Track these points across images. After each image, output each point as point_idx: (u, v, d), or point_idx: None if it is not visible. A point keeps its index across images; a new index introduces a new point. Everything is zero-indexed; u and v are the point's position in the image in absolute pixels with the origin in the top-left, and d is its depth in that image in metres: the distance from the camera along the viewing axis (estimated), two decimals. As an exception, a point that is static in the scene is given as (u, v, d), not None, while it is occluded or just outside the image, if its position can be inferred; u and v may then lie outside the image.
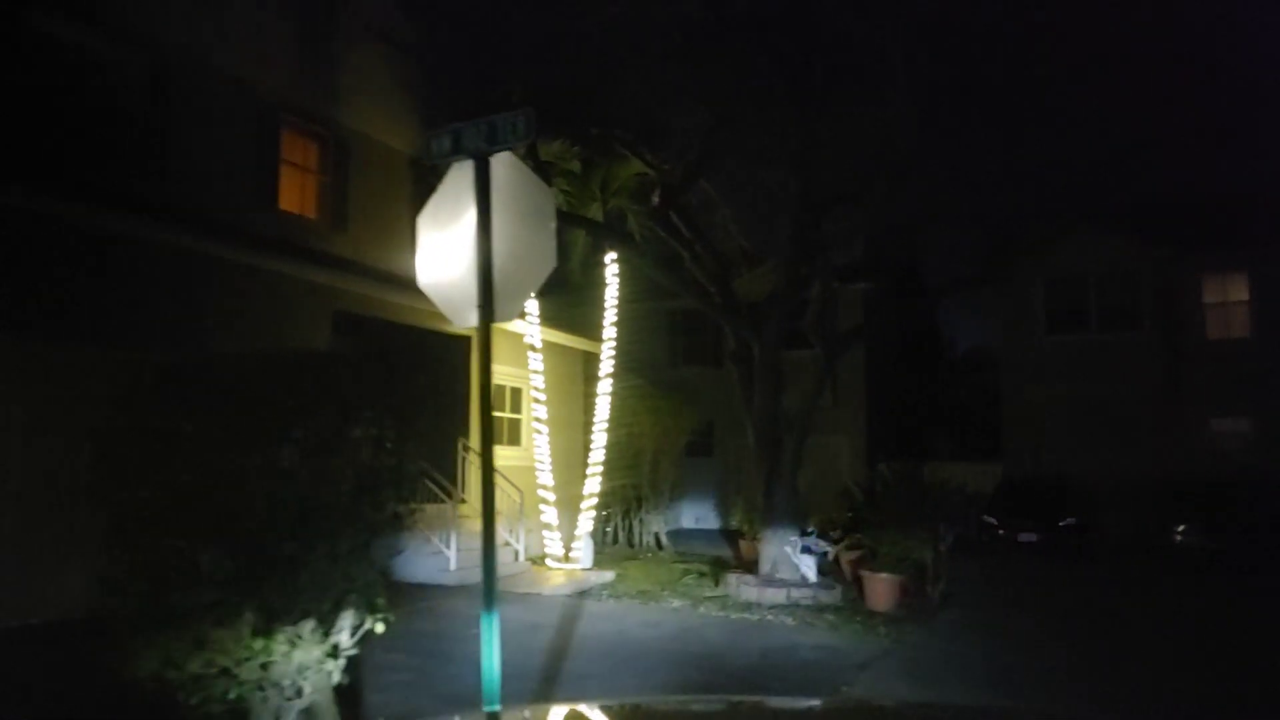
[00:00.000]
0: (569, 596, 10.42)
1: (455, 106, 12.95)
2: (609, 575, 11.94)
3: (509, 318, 4.26)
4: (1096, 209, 18.01)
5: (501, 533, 12.50)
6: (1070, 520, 15.61)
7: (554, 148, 12.78)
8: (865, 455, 19.78)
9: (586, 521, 13.23)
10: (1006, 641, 8.48)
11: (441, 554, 10.61)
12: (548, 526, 13.05)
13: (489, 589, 3.92)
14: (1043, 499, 16.28)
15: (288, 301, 10.01)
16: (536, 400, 13.49)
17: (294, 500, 3.49)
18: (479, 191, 4.16)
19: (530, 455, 13.48)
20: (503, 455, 12.58)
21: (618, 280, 14.11)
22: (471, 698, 5.92)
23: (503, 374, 13.66)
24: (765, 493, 11.12)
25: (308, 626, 3.79)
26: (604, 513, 14.63)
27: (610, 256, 13.92)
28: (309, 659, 3.84)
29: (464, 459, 11.92)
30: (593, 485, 13.44)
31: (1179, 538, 14.80)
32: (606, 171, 13.62)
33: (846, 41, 9.99)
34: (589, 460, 13.72)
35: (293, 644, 3.71)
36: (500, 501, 12.63)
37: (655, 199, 12.37)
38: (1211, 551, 13.96)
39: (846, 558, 11.20)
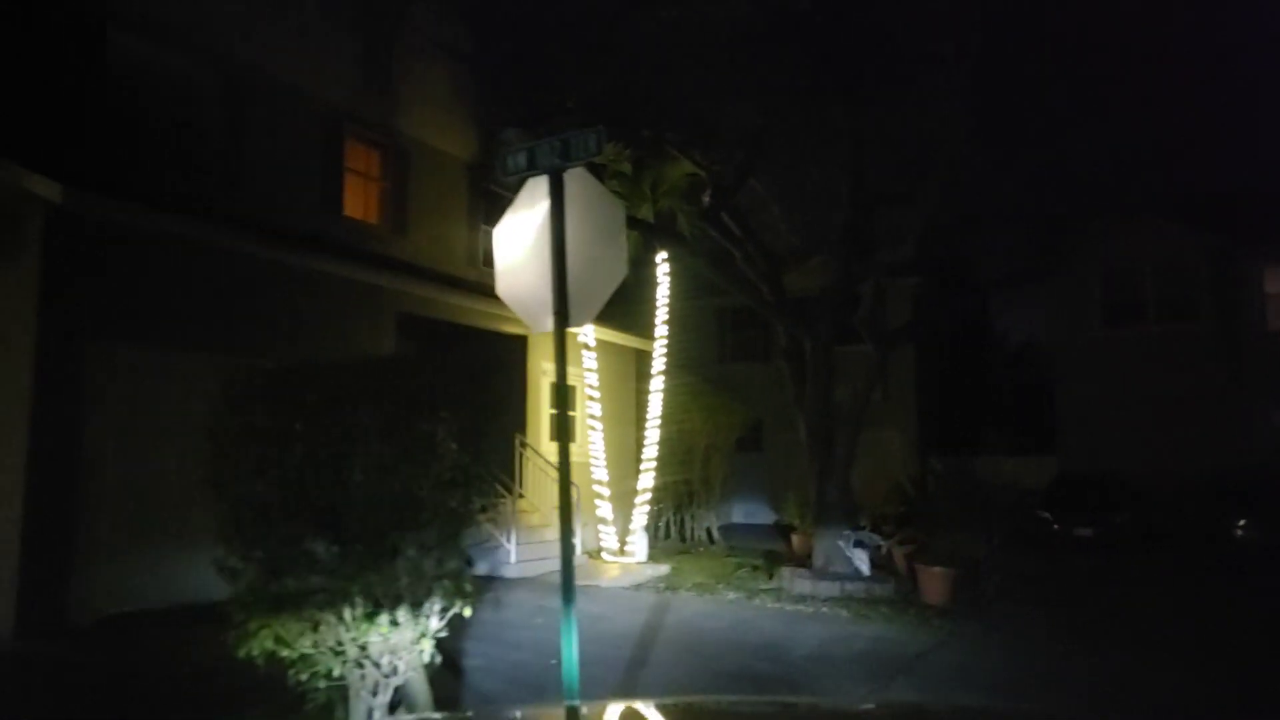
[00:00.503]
0: (627, 589, 10.71)
1: (510, 112, 13.32)
2: (664, 568, 12.22)
3: (582, 323, 4.54)
4: (1153, 199, 17.78)
5: (558, 527, 12.85)
6: (1127, 515, 15.50)
7: (606, 150, 13.06)
8: (916, 449, 19.79)
9: (641, 516, 13.51)
10: (1060, 636, 8.55)
11: (503, 547, 10.97)
12: (603, 521, 13.37)
13: (567, 584, 4.20)
14: (1099, 493, 16.17)
15: (356, 305, 10.44)
16: (590, 398, 13.80)
17: (393, 494, 3.81)
18: (553, 205, 4.45)
19: (585, 451, 13.80)
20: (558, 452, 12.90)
21: (669, 279, 14.36)
22: (538, 683, 6.27)
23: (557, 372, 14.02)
24: (818, 488, 11.30)
25: (404, 610, 4.12)
26: (656, 508, 14.90)
27: (661, 256, 14.17)
28: (404, 640, 4.17)
29: (521, 455, 12.28)
30: (646, 481, 13.72)
31: (1239, 532, 14.62)
32: (657, 172, 13.86)
33: (897, 40, 10.09)
34: (642, 456, 14.00)
35: (393, 625, 4.04)
36: (557, 497, 13.00)
37: (706, 199, 12.59)
38: (1273, 546, 13.77)
39: (900, 552, 11.32)
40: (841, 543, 10.61)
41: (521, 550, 11.09)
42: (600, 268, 4.45)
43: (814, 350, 11.63)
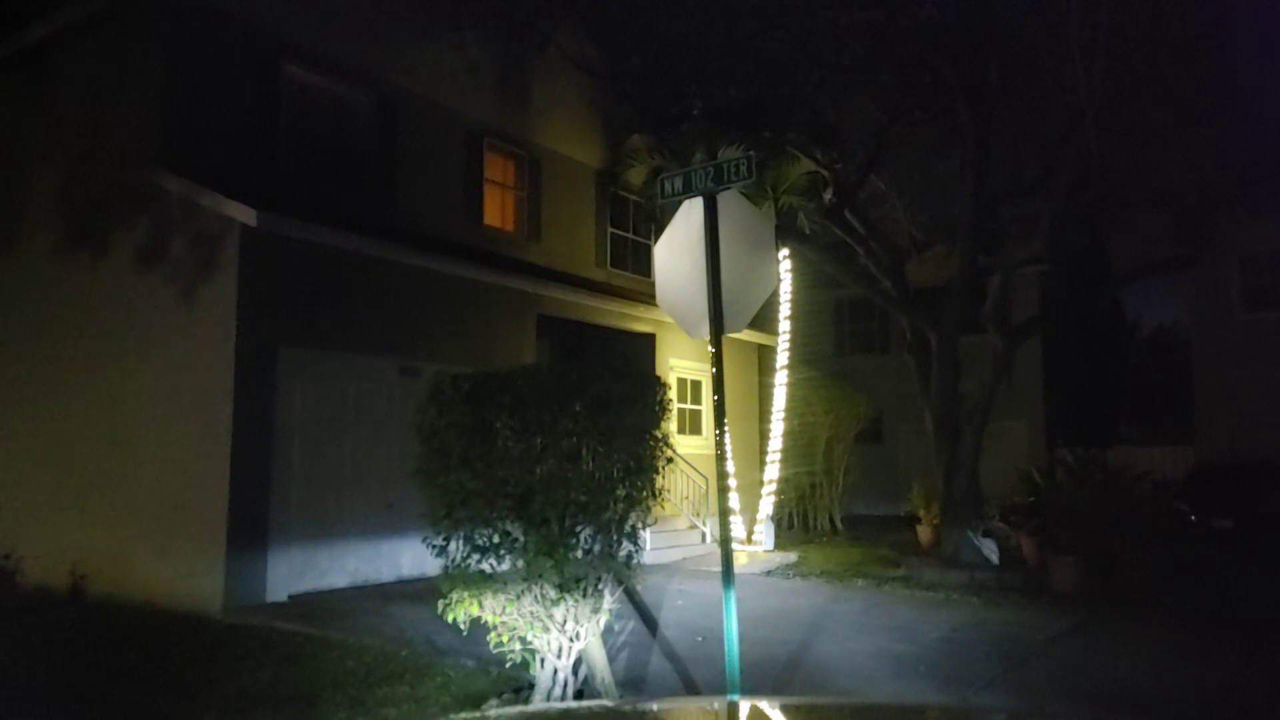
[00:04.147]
0: (757, 575, 11.16)
1: (636, 119, 13.91)
2: (791, 556, 12.61)
3: (737, 330, 5.01)
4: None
5: (689, 517, 13.40)
6: (1271, 505, 14.90)
7: (729, 151, 13.47)
8: (1045, 440, 19.44)
9: (767, 506, 13.91)
10: (1192, 627, 8.51)
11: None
12: (732, 511, 13.82)
13: (727, 571, 4.72)
14: (1239, 484, 15.58)
15: (501, 308, 11.19)
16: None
17: (581, 483, 4.39)
18: (708, 224, 4.94)
19: (712, 444, 14.27)
20: (686, 444, 13.44)
21: (790, 275, 14.67)
22: (689, 656, 6.79)
23: (683, 368, 14.56)
24: (945, 478, 11.45)
25: (584, 585, 4.70)
26: (781, 498, 15.26)
27: (783, 253, 14.49)
28: (584, 611, 4.75)
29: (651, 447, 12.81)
30: (771, 472, 14.10)
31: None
32: (778, 171, 14.18)
33: (1021, 36, 10.12)
34: (766, 448, 14.39)
35: (575, 598, 4.63)
36: (686, 488, 13.55)
37: (827, 196, 12.84)
38: None
39: (1029, 542, 11.36)
40: (970, 532, 10.76)
41: (655, 538, 11.67)
42: (752, 280, 4.92)
43: (939, 343, 11.76)
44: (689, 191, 5.03)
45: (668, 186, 5.13)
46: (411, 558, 9.44)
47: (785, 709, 2.73)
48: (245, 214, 8.29)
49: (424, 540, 4.77)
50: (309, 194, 10.20)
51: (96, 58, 9.97)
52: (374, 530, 9.40)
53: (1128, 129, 10.69)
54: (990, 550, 10.69)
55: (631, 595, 8.20)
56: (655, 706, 3.58)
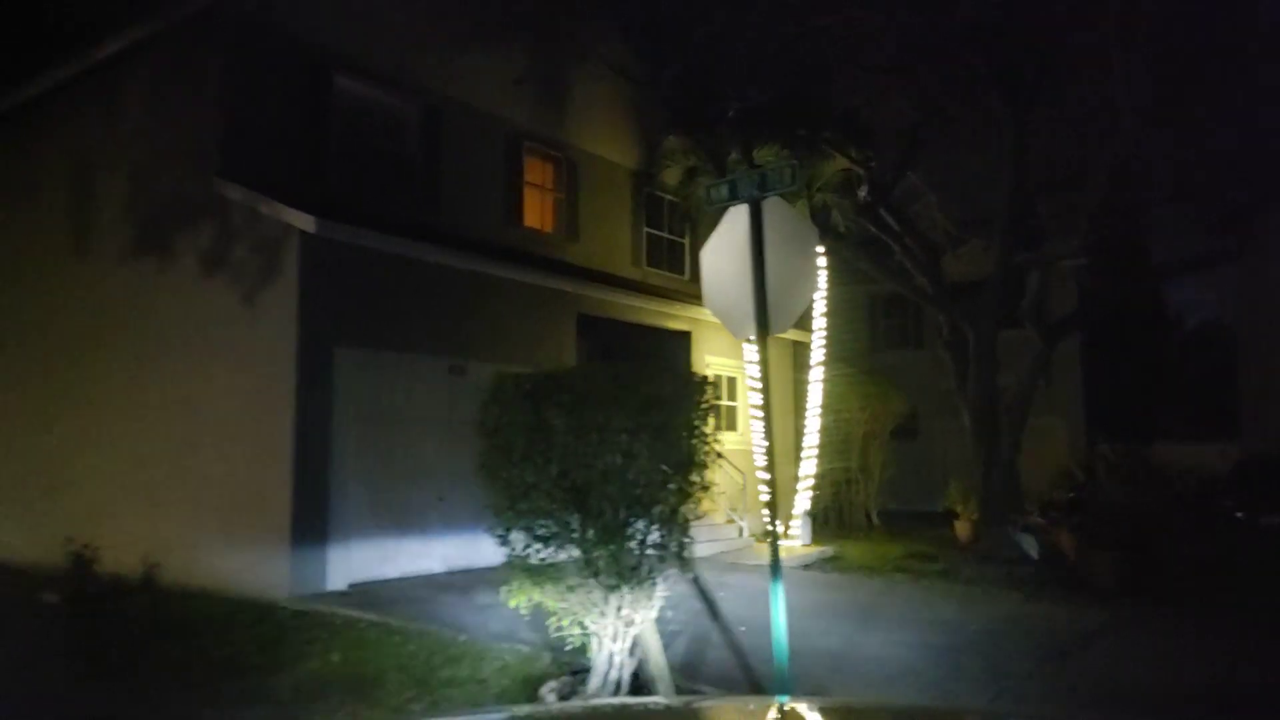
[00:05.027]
0: (795, 569, 11.36)
1: (672, 120, 14.13)
2: (828, 551, 12.80)
3: (782, 330, 5.26)
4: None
5: (725, 511, 13.64)
6: (1318, 502, 14.76)
7: (764, 151, 13.67)
8: (1085, 435, 19.37)
9: (803, 501, 14.10)
10: (1234, 625, 8.56)
11: (678, 528, 11.83)
12: (767, 506, 14.03)
13: (775, 566, 4.95)
14: (1286, 480, 15.43)
15: (541, 308, 11.50)
16: (753, 389, 14.48)
17: (635, 477, 4.66)
18: (753, 230, 5.18)
19: (748, 440, 14.50)
20: (722, 440, 13.64)
21: (824, 272, 14.82)
22: (731, 644, 7.02)
23: (718, 365, 14.78)
24: (983, 474, 11.58)
25: (639, 574, 4.97)
26: (817, 494, 15.43)
27: (818, 250, 14.65)
28: (639, 598, 5.02)
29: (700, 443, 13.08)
30: (807, 468, 14.29)
31: None
32: (812, 169, 14.34)
33: (1060, 33, 10.20)
34: (802, 444, 14.57)
35: (630, 587, 4.90)
36: (723, 482, 13.77)
37: (862, 194, 13.00)
38: None
39: (1069, 538, 11.43)
40: (1009, 528, 10.88)
41: (694, 531, 11.87)
42: (795, 283, 5.16)
43: (976, 339, 11.88)
44: (734, 199, 5.28)
45: (713, 194, 5.39)
46: (461, 550, 9.79)
47: (835, 711, 2.76)
48: (304, 221, 8.67)
49: (488, 530, 5.06)
50: (359, 200, 10.58)
51: (161, 73, 10.45)
52: (425, 523, 9.76)
53: (1168, 123, 10.71)
54: (1030, 546, 10.81)
55: (680, 585, 8.46)
56: (709, 704, 3.81)
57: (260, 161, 9.73)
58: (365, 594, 8.65)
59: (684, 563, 5.15)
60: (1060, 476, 12.27)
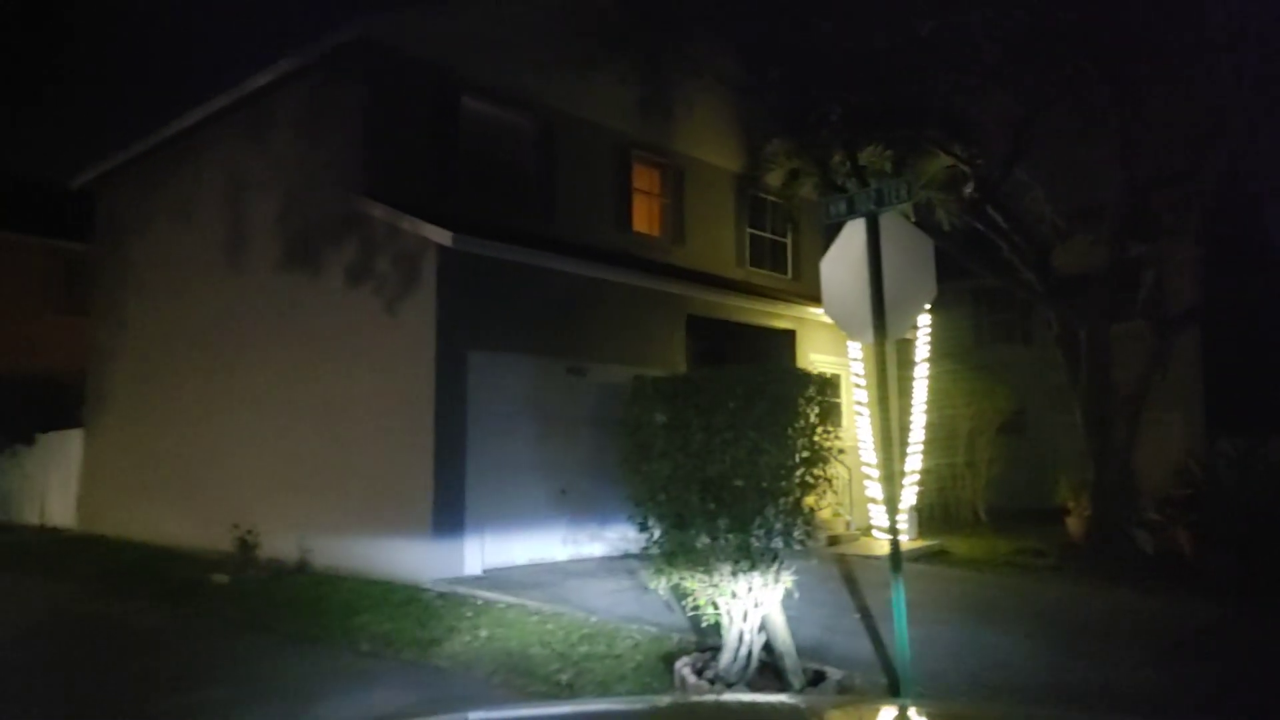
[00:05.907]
0: (904, 562, 11.59)
1: (774, 124, 14.47)
2: (935, 545, 12.97)
3: (900, 336, 5.64)
4: None
5: (831, 505, 13.93)
6: None
7: (867, 152, 13.89)
8: (1203, 431, 18.80)
9: (909, 495, 14.27)
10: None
11: (786, 522, 12.23)
12: (873, 500, 14.27)
13: (895, 556, 5.35)
14: None
15: (652, 310, 12.05)
16: (856, 385, 14.72)
17: (764, 470, 5.14)
18: (870, 242, 5.58)
19: (853, 435, 14.75)
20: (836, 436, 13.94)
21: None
22: (850, 630, 7.41)
23: (822, 362, 15.05)
24: (1096, 470, 11.56)
25: (765, 559, 5.44)
26: (921, 489, 15.55)
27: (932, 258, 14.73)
28: (766, 581, 5.49)
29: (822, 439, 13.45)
30: (912, 463, 14.45)
31: None
32: (916, 168, 14.45)
33: (1167, 31, 10.14)
34: (907, 440, 14.73)
35: (757, 570, 5.38)
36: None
37: (968, 191, 13.06)
38: None
39: (1186, 534, 11.32)
40: (1124, 524, 10.87)
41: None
42: (911, 290, 5.53)
43: (1089, 336, 11.84)
44: (852, 214, 5.68)
45: (832, 210, 5.79)
46: (582, 539, 10.45)
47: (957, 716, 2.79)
48: (441, 235, 9.43)
49: (607, 522, 5.63)
50: (484, 212, 11.35)
51: (307, 101, 11.44)
52: (549, 514, 10.43)
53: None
54: (1144, 542, 10.77)
55: (795, 573, 8.88)
56: (831, 703, 4.13)
57: (398, 180, 10.57)
58: (499, 578, 9.36)
59: (810, 549, 5.58)
60: (1178, 472, 12.11)
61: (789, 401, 5.28)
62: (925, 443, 14.76)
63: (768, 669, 5.67)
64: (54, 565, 12.02)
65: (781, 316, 14.33)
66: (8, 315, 19.17)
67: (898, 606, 5.32)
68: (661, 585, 5.57)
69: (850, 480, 13.98)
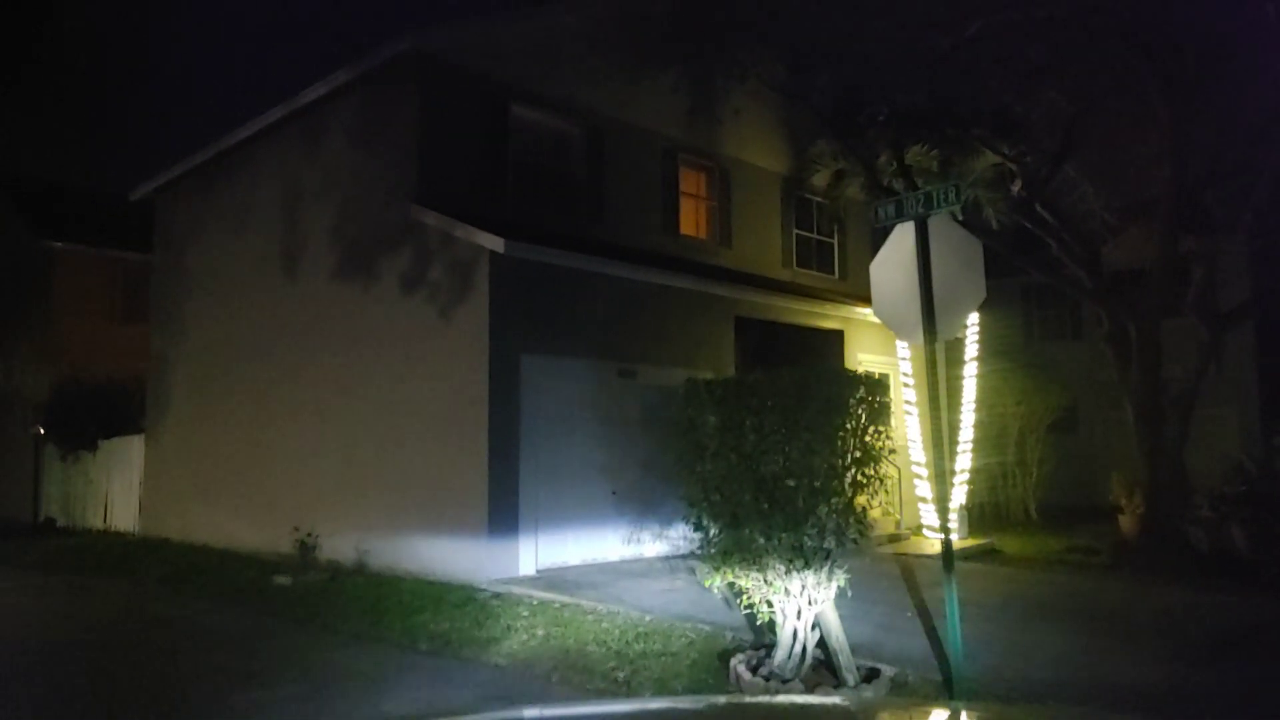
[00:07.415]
0: (956, 561, 11.57)
1: (821, 126, 14.50)
2: (986, 544, 12.92)
3: (949, 337, 5.71)
4: None
5: (882, 504, 13.92)
6: None
7: (913, 151, 13.86)
8: (1257, 427, 18.43)
9: (959, 494, 14.21)
10: None
11: (834, 521, 12.27)
12: (922, 499, 14.24)
13: (947, 556, 5.40)
14: None
15: (701, 312, 12.15)
16: (905, 384, 14.69)
17: (818, 470, 5.24)
18: (919, 245, 5.66)
19: (902, 434, 14.71)
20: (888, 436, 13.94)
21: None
22: (903, 628, 7.47)
23: (871, 361, 15.05)
24: (1148, 467, 11.44)
25: (817, 558, 5.55)
26: (972, 488, 15.47)
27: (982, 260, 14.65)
28: (820, 579, 5.60)
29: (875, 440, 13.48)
30: (963, 462, 14.38)
31: None
32: (962, 165, 14.39)
33: (1218, 28, 10.01)
34: (957, 438, 14.67)
35: (810, 569, 5.48)
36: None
37: (1016, 189, 12.99)
38: None
39: (1240, 532, 11.15)
40: (1177, 521, 10.75)
41: (851, 524, 12.31)
42: (960, 292, 5.60)
43: (1139, 332, 11.73)
44: (901, 217, 5.76)
45: (881, 213, 5.88)
46: (632, 540, 10.60)
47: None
48: (494, 242, 9.66)
49: (662, 521, 5.77)
50: (534, 218, 11.57)
51: (360, 112, 11.76)
52: (600, 515, 10.60)
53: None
54: (1198, 540, 10.64)
55: (848, 571, 8.95)
56: (883, 704, 4.22)
57: (450, 187, 10.83)
58: (552, 578, 9.55)
59: (858, 548, 5.67)
60: (1232, 469, 11.93)
61: (840, 402, 5.38)
62: (975, 441, 14.69)
63: (822, 666, 5.78)
64: (121, 567, 12.48)
65: (829, 317, 14.36)
66: (71, 324, 19.89)
67: (950, 604, 5.40)
68: (716, 584, 5.69)
69: (900, 479, 13.97)
